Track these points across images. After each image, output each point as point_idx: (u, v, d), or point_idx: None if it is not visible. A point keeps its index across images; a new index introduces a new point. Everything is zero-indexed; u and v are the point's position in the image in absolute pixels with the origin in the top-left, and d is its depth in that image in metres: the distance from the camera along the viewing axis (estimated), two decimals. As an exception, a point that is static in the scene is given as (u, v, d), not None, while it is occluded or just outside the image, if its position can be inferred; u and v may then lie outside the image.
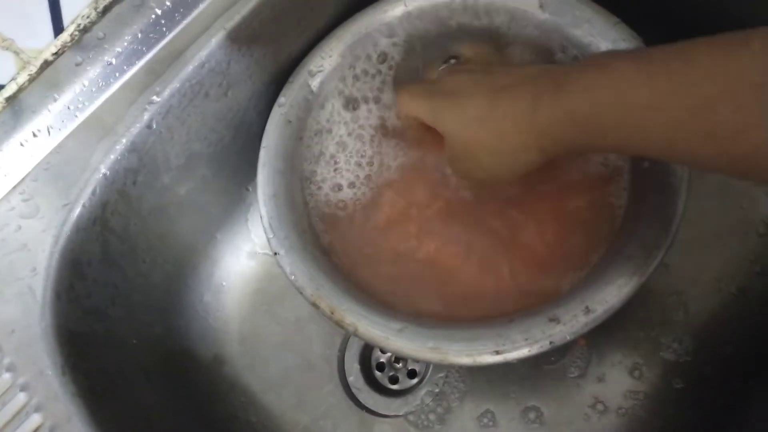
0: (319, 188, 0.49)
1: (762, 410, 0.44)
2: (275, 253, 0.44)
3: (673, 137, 0.30)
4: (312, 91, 0.49)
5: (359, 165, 0.50)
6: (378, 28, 0.50)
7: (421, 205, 0.47)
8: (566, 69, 0.37)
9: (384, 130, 0.51)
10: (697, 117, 0.29)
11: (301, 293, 0.43)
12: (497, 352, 0.38)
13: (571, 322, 0.38)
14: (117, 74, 0.43)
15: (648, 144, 0.32)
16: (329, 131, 0.51)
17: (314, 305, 0.42)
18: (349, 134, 0.51)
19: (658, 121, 0.30)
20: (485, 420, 0.52)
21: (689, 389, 0.51)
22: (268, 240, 0.44)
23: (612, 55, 0.40)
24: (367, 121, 0.51)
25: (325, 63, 0.50)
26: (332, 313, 0.41)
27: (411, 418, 0.53)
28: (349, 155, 0.50)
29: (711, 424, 0.49)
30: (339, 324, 0.41)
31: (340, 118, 0.51)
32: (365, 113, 0.51)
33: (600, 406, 0.51)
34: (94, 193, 0.42)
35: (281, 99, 0.49)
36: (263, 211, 0.45)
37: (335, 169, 0.50)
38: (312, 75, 0.50)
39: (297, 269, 0.43)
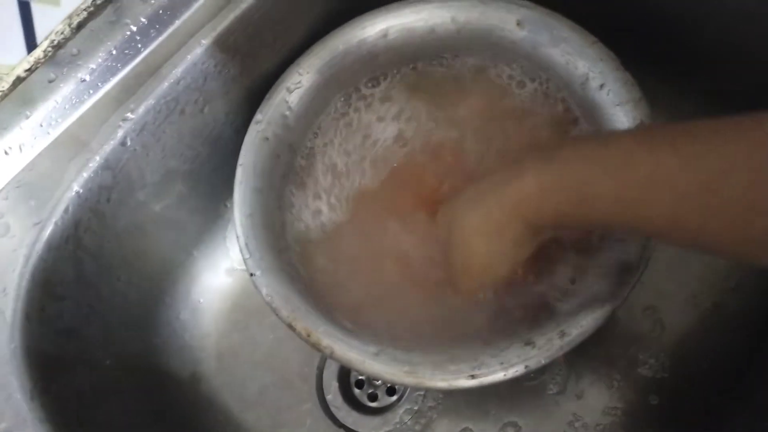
0: (298, 209, 0.49)
1: (740, 426, 0.44)
2: (251, 274, 0.43)
3: (677, 213, 0.29)
4: (290, 108, 0.49)
5: (340, 185, 0.50)
6: (357, 44, 0.50)
7: (398, 231, 0.47)
8: (559, 143, 0.36)
9: (366, 150, 0.51)
10: (705, 192, 0.27)
11: (277, 315, 0.42)
12: (473, 377, 0.38)
13: (546, 345, 0.38)
14: (91, 91, 0.43)
15: (648, 220, 0.31)
16: (309, 150, 0.50)
17: (290, 327, 0.41)
18: (330, 154, 0.50)
19: (660, 196, 0.29)
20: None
21: (666, 405, 0.51)
22: (245, 261, 0.44)
23: (608, 132, 0.39)
24: (350, 141, 0.51)
25: (303, 79, 0.49)
26: (308, 336, 0.41)
27: (390, 436, 0.53)
28: (329, 176, 0.50)
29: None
30: (315, 346, 0.41)
31: (321, 137, 0.51)
32: (347, 131, 0.51)
33: (579, 423, 0.51)
34: (66, 211, 0.42)
35: (258, 116, 0.48)
36: (239, 231, 0.45)
37: (314, 191, 0.50)
38: (290, 91, 0.49)
39: (273, 291, 0.42)
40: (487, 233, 0.38)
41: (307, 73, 0.50)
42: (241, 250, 0.44)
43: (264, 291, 0.43)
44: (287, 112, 0.49)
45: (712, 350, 0.52)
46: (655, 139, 0.30)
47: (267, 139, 0.48)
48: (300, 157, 0.50)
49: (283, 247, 0.46)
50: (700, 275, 0.53)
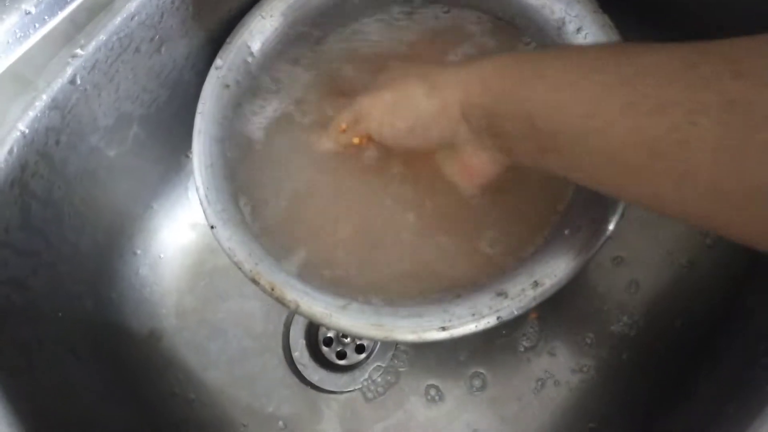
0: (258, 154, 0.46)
1: (711, 384, 0.43)
2: (212, 227, 0.41)
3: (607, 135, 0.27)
4: (252, 53, 0.46)
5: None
6: None
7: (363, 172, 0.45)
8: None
9: (332, 94, 0.48)
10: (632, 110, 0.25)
11: (239, 269, 0.40)
12: (443, 329, 0.36)
13: (519, 296, 0.36)
14: (36, 24, 0.40)
15: (578, 160, 0.29)
16: (273, 95, 0.48)
17: (254, 281, 0.39)
18: (295, 101, 0.48)
19: (591, 106, 0.27)
20: (432, 393, 0.50)
21: (639, 363, 0.50)
22: (204, 212, 0.41)
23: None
24: (314, 86, 0.48)
25: (266, 23, 0.47)
26: (272, 290, 0.39)
27: (357, 394, 0.51)
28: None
29: (660, 397, 0.48)
30: (280, 301, 0.39)
31: (284, 82, 0.48)
32: (309, 76, 0.48)
33: (550, 380, 0.50)
34: (11, 152, 0.39)
35: (218, 61, 0.46)
36: (199, 181, 0.42)
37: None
38: (252, 36, 0.46)
39: (234, 243, 0.40)
40: (422, 92, 0.36)
41: (271, 16, 0.47)
42: (200, 201, 0.42)
43: (225, 244, 0.40)
44: (249, 58, 0.47)
45: (686, 308, 0.51)
46: (597, 61, 0.28)
47: (228, 86, 0.45)
48: (264, 105, 0.47)
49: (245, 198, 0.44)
50: (676, 233, 0.52)
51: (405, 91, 0.37)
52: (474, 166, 0.37)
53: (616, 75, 0.27)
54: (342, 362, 0.53)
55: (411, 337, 0.37)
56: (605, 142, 0.27)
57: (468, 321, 0.36)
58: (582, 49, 0.33)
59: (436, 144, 0.38)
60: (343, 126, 0.41)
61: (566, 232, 0.39)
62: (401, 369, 0.51)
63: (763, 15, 0.46)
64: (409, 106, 0.37)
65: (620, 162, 0.27)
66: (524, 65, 0.32)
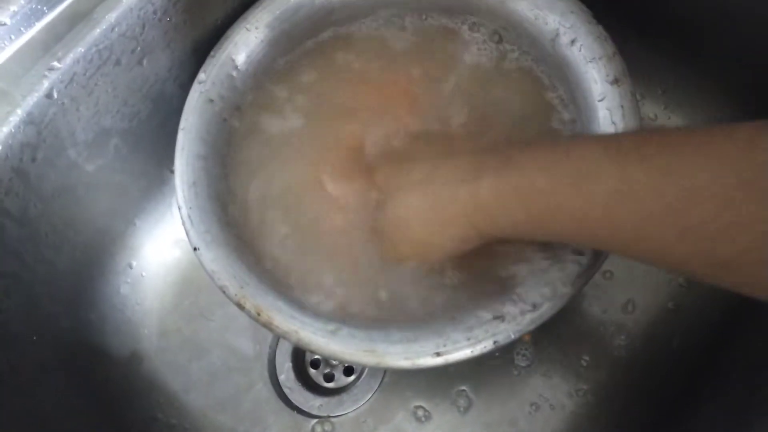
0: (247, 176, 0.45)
1: (712, 409, 0.42)
2: (195, 248, 0.39)
3: (642, 231, 0.27)
4: (236, 67, 0.45)
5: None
6: None
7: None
8: (520, 147, 0.33)
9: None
10: (674, 211, 0.25)
11: (223, 292, 0.38)
12: (438, 354, 0.35)
13: (516, 319, 0.35)
14: (12, 36, 0.38)
15: (609, 237, 0.29)
16: (258, 111, 0.46)
17: (239, 305, 0.38)
18: (282, 116, 0.46)
19: (624, 212, 0.27)
20: (421, 416, 0.49)
21: (637, 386, 0.49)
22: (187, 233, 0.40)
23: (572, 137, 0.37)
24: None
25: (251, 36, 0.45)
26: (258, 314, 0.37)
27: (345, 418, 0.49)
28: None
29: (658, 420, 0.47)
30: (267, 326, 0.37)
31: (270, 98, 0.47)
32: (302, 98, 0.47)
33: (545, 404, 0.49)
34: (-17, 170, 0.37)
35: (201, 75, 0.44)
36: (181, 200, 0.40)
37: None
38: (237, 48, 0.45)
39: (218, 266, 0.38)
40: (429, 222, 0.36)
41: (256, 28, 0.45)
42: (183, 222, 0.40)
43: (208, 266, 0.38)
44: (234, 72, 0.45)
45: (684, 329, 0.50)
46: (622, 149, 0.28)
47: (212, 100, 0.44)
48: (249, 121, 0.46)
49: (230, 218, 0.42)
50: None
51: (409, 226, 0.38)
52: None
53: (659, 204, 0.26)
54: (330, 385, 0.51)
55: (404, 363, 0.35)
56: (660, 259, 0.29)
57: (463, 346, 0.35)
58: (599, 167, 0.29)
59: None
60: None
61: (565, 250, 0.38)
62: (391, 392, 0.50)
63: (757, 25, 0.45)
64: (418, 239, 0.38)
65: (682, 271, 0.31)
66: (531, 193, 0.31)
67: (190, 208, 0.40)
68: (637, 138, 0.29)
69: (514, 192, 0.31)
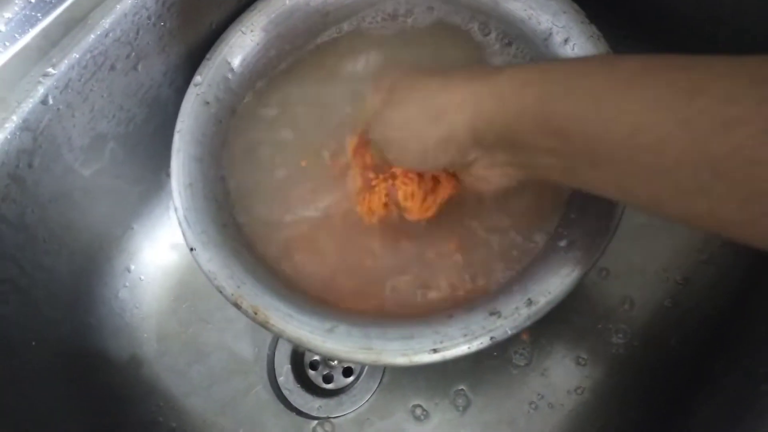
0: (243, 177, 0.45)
1: (710, 407, 0.42)
2: (191, 249, 0.39)
3: (635, 127, 0.26)
4: (232, 69, 0.45)
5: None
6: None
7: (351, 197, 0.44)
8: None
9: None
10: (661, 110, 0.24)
11: (220, 292, 0.38)
12: (435, 351, 0.35)
13: (513, 315, 0.35)
14: (7, 43, 0.39)
15: (604, 143, 0.27)
16: (254, 114, 0.46)
17: (236, 305, 0.38)
18: (278, 117, 0.47)
19: (613, 111, 0.26)
20: (420, 416, 0.49)
21: (635, 384, 0.49)
22: (183, 234, 0.40)
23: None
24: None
25: (246, 38, 0.45)
26: (255, 314, 0.37)
27: (344, 420, 0.49)
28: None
29: (657, 416, 0.47)
30: (263, 325, 0.37)
31: (266, 99, 0.47)
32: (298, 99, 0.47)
33: (543, 402, 0.49)
34: (-21, 177, 0.38)
35: (197, 78, 0.44)
36: (177, 202, 0.41)
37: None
38: (232, 51, 0.45)
39: (215, 266, 0.39)
40: (428, 116, 0.34)
41: (251, 31, 0.46)
42: (179, 223, 0.40)
43: (205, 267, 0.39)
44: (229, 74, 0.45)
45: (682, 326, 0.50)
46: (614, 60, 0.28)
47: (207, 103, 0.44)
48: (244, 123, 0.46)
49: (226, 219, 0.43)
50: (672, 249, 0.51)
51: (408, 125, 0.35)
52: (482, 181, 0.35)
53: (666, 89, 0.25)
54: (329, 386, 0.51)
55: (401, 360, 0.35)
56: (657, 159, 0.25)
57: (460, 342, 0.35)
58: (614, 62, 0.30)
59: (448, 167, 0.36)
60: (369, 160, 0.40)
61: (561, 243, 0.38)
62: (390, 392, 0.50)
63: (753, 25, 0.45)
64: (416, 140, 0.35)
65: (674, 180, 0.25)
66: (547, 80, 0.30)
67: (187, 209, 0.41)
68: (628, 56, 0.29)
69: (515, 95, 0.30)
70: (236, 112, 0.46)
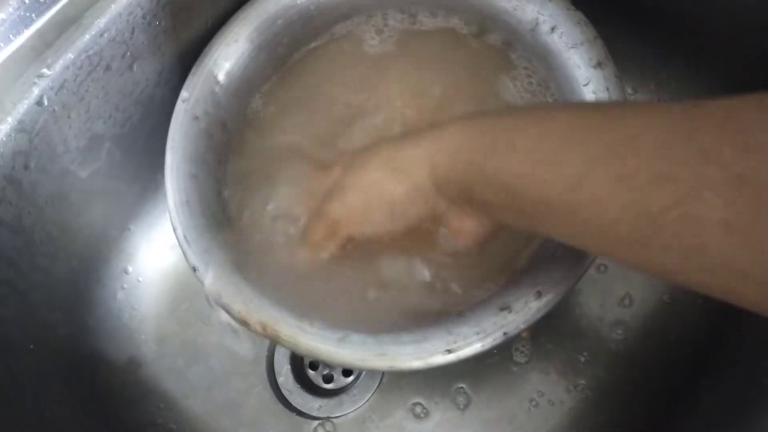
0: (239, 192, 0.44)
1: (712, 402, 0.42)
2: (194, 269, 0.39)
3: (581, 181, 0.26)
4: (218, 83, 0.44)
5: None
6: (287, 6, 0.45)
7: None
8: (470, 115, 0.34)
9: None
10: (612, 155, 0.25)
11: (227, 312, 0.37)
12: (449, 351, 0.35)
13: (524, 309, 0.35)
14: (1, 44, 0.38)
15: (549, 194, 0.27)
16: (244, 125, 0.46)
17: (243, 323, 0.37)
18: (269, 128, 0.46)
19: (572, 155, 0.27)
20: (420, 413, 0.49)
21: (636, 380, 0.49)
22: (185, 254, 0.39)
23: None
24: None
25: (231, 50, 0.45)
26: (264, 330, 0.36)
27: (345, 419, 0.49)
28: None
29: (657, 412, 0.47)
30: (275, 340, 0.36)
31: (255, 111, 0.47)
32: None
33: (544, 400, 0.49)
34: (-25, 179, 0.37)
35: (184, 93, 0.43)
36: (175, 221, 0.40)
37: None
38: (217, 64, 0.44)
39: (220, 286, 0.38)
40: (391, 174, 0.35)
41: (236, 41, 0.45)
42: (179, 244, 0.39)
43: (209, 287, 0.38)
44: (216, 88, 0.44)
45: (682, 322, 0.50)
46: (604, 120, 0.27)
47: (197, 117, 0.43)
48: (237, 136, 0.46)
49: (226, 235, 0.42)
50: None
51: (372, 185, 0.36)
52: (462, 230, 0.36)
53: (601, 146, 0.26)
54: (329, 386, 0.51)
55: (417, 363, 0.35)
56: (597, 215, 0.26)
57: (473, 340, 0.35)
58: (553, 115, 0.30)
59: (418, 222, 0.36)
60: (320, 237, 0.39)
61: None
62: (390, 391, 0.50)
63: (751, 18, 0.45)
64: (381, 199, 0.35)
65: (616, 234, 0.25)
66: (491, 133, 0.31)
67: (186, 228, 0.40)
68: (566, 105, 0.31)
69: (475, 142, 0.31)
70: (227, 125, 0.45)
